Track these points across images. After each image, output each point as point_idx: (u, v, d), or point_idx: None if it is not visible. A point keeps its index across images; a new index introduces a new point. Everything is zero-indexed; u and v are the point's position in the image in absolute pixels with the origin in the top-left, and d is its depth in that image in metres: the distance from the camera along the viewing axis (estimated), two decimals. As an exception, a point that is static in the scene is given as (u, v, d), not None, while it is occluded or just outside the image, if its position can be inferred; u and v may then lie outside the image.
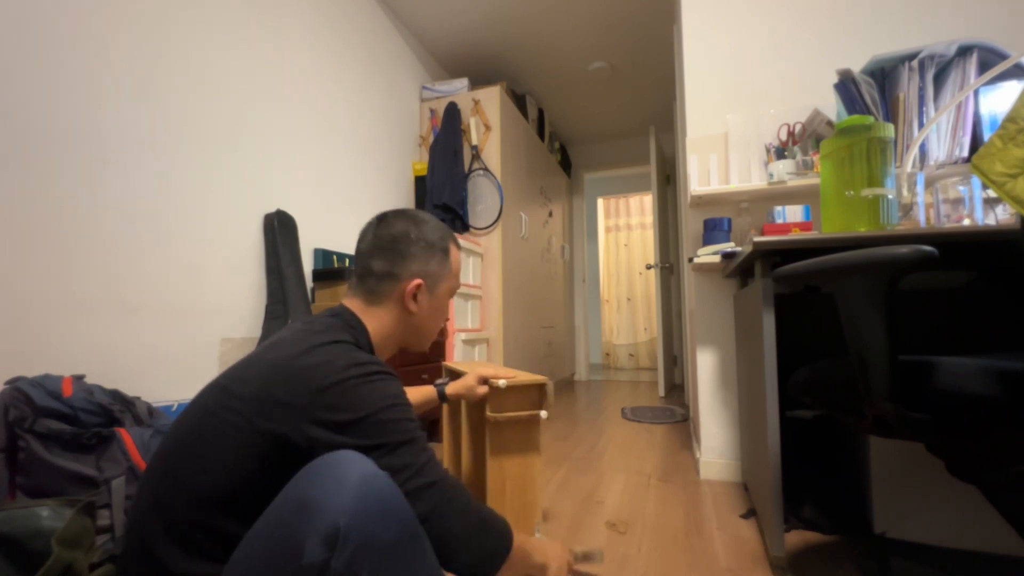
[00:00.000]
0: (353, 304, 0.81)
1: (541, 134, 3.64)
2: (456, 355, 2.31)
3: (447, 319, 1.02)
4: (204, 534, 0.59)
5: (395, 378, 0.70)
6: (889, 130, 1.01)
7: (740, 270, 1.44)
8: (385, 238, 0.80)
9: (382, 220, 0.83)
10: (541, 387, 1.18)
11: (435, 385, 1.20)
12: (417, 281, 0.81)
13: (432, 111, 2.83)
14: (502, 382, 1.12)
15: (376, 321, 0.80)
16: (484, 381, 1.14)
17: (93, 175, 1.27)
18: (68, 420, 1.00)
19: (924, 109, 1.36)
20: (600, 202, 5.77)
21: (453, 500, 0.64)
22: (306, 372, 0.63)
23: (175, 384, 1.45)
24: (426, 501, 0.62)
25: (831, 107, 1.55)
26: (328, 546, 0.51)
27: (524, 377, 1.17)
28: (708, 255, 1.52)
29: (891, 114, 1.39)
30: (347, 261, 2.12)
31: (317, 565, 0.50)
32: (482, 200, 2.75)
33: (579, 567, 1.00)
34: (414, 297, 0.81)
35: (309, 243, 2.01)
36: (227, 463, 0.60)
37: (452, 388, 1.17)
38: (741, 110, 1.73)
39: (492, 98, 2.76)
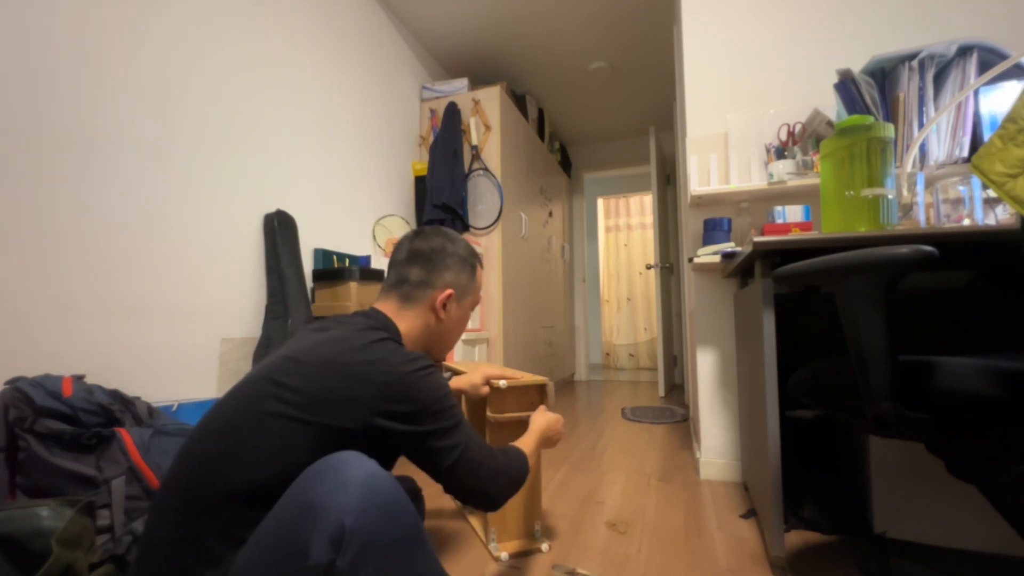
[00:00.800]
0: (385, 308, 0.87)
1: (541, 134, 3.64)
2: (456, 355, 2.31)
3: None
4: (251, 520, 0.59)
5: (439, 369, 0.78)
6: (889, 130, 1.01)
7: (740, 270, 1.44)
8: (424, 250, 0.88)
9: (419, 234, 0.91)
10: (541, 388, 1.18)
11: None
12: (449, 291, 0.88)
13: (432, 111, 2.83)
14: (502, 382, 1.12)
15: (406, 325, 0.86)
16: (488, 382, 1.16)
17: (92, 175, 1.27)
18: (68, 420, 1.00)
19: (924, 109, 1.36)
20: (600, 202, 5.77)
21: (492, 468, 0.77)
22: (368, 368, 0.69)
23: (175, 384, 1.45)
24: (473, 472, 0.74)
25: (831, 107, 1.55)
26: (334, 546, 0.51)
27: (527, 378, 1.17)
28: (708, 255, 1.52)
29: (891, 114, 1.39)
30: (347, 261, 2.12)
31: (323, 565, 0.51)
32: (482, 200, 2.75)
33: None
34: (444, 305, 0.88)
35: (309, 243, 2.01)
36: (280, 453, 0.63)
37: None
38: (741, 110, 1.73)
39: (492, 98, 2.76)
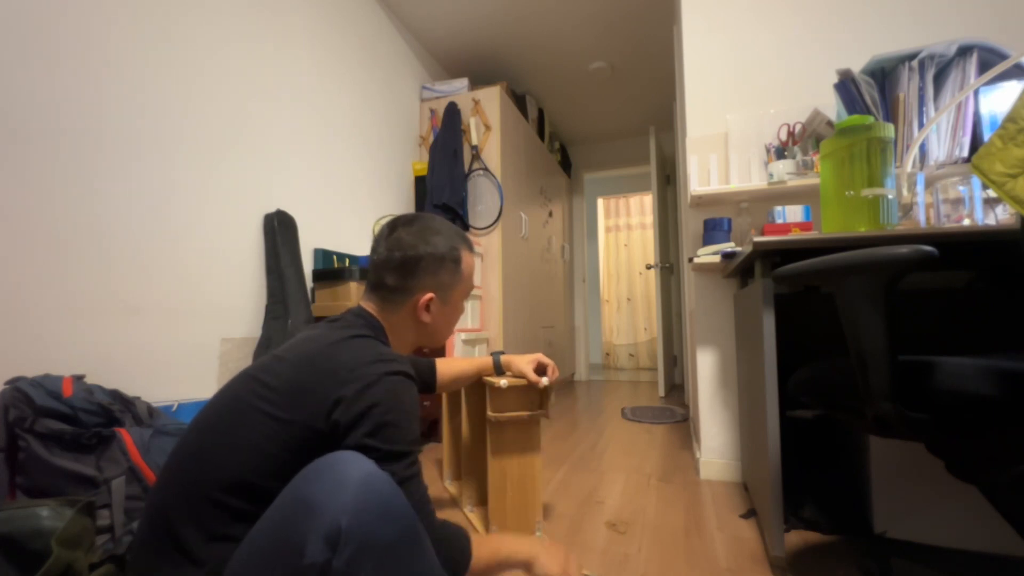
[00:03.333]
0: (370, 307, 0.84)
1: (541, 134, 3.64)
2: (456, 355, 2.31)
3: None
4: (230, 516, 0.60)
5: (414, 382, 0.73)
6: (889, 130, 1.01)
7: (740, 270, 1.44)
8: (395, 256, 0.81)
9: (393, 230, 0.84)
10: (545, 390, 1.17)
11: (492, 354, 1.24)
12: (428, 295, 0.83)
13: (432, 111, 2.83)
14: (503, 382, 1.12)
15: (392, 326, 0.84)
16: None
17: (93, 175, 1.27)
18: (68, 420, 1.00)
19: (924, 109, 1.36)
20: (600, 202, 5.77)
21: (428, 520, 0.67)
22: (336, 361, 0.68)
23: (175, 384, 1.45)
24: (418, 504, 0.65)
25: (831, 107, 1.55)
26: (330, 546, 0.51)
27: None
28: (708, 255, 1.52)
29: (891, 114, 1.39)
30: (347, 261, 2.12)
31: (319, 565, 0.51)
32: (482, 200, 2.75)
33: None
34: (427, 308, 0.84)
35: (309, 243, 2.01)
36: (261, 450, 0.63)
37: (507, 358, 1.21)
38: (741, 110, 1.73)
39: (492, 98, 2.76)
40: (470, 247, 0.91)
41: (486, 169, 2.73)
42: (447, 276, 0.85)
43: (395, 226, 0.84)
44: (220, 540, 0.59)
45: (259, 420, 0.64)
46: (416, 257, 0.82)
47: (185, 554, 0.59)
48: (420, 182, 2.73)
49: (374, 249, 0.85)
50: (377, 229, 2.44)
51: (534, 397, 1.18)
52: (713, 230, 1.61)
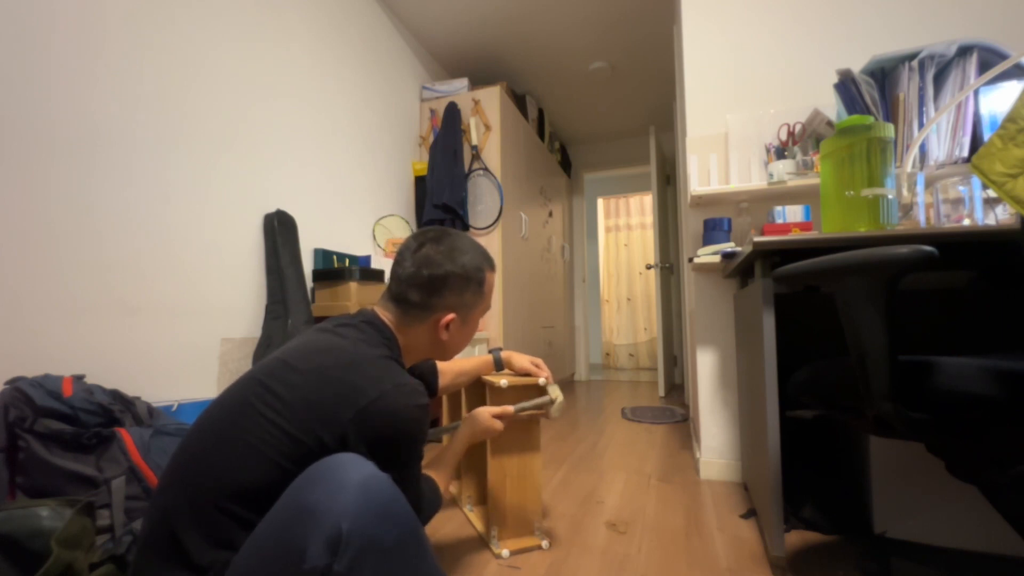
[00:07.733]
0: (385, 316, 0.84)
1: (541, 134, 3.64)
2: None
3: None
4: (232, 523, 0.60)
5: (428, 406, 0.75)
6: (889, 130, 1.01)
7: (740, 270, 1.44)
8: (423, 273, 0.82)
9: (421, 246, 0.84)
10: (542, 388, 1.17)
11: (491, 351, 1.24)
12: (450, 316, 0.84)
13: (432, 111, 2.83)
14: (503, 382, 1.12)
15: (406, 339, 0.84)
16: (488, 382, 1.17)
17: (92, 174, 1.27)
18: (68, 420, 1.00)
19: (924, 109, 1.36)
20: (600, 202, 5.77)
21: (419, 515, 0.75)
22: (355, 390, 0.67)
23: (175, 384, 1.45)
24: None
25: (831, 107, 1.55)
26: (331, 550, 0.51)
27: (529, 380, 1.17)
28: (708, 255, 1.52)
29: (891, 114, 1.39)
30: (347, 261, 2.12)
31: (320, 569, 0.51)
32: (482, 200, 2.75)
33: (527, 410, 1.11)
34: (447, 327, 0.85)
35: (309, 243, 2.01)
36: (265, 457, 0.62)
37: (507, 354, 1.22)
38: (741, 110, 1.73)
39: (492, 98, 2.76)
40: (493, 267, 0.92)
41: (486, 169, 2.73)
42: (470, 297, 0.86)
43: (423, 242, 0.84)
44: (222, 546, 0.59)
45: (265, 428, 0.63)
46: (443, 276, 0.82)
47: (186, 559, 0.58)
48: (420, 182, 2.73)
49: (399, 262, 0.85)
50: (378, 230, 2.44)
51: (534, 397, 1.18)
52: (713, 230, 1.61)
